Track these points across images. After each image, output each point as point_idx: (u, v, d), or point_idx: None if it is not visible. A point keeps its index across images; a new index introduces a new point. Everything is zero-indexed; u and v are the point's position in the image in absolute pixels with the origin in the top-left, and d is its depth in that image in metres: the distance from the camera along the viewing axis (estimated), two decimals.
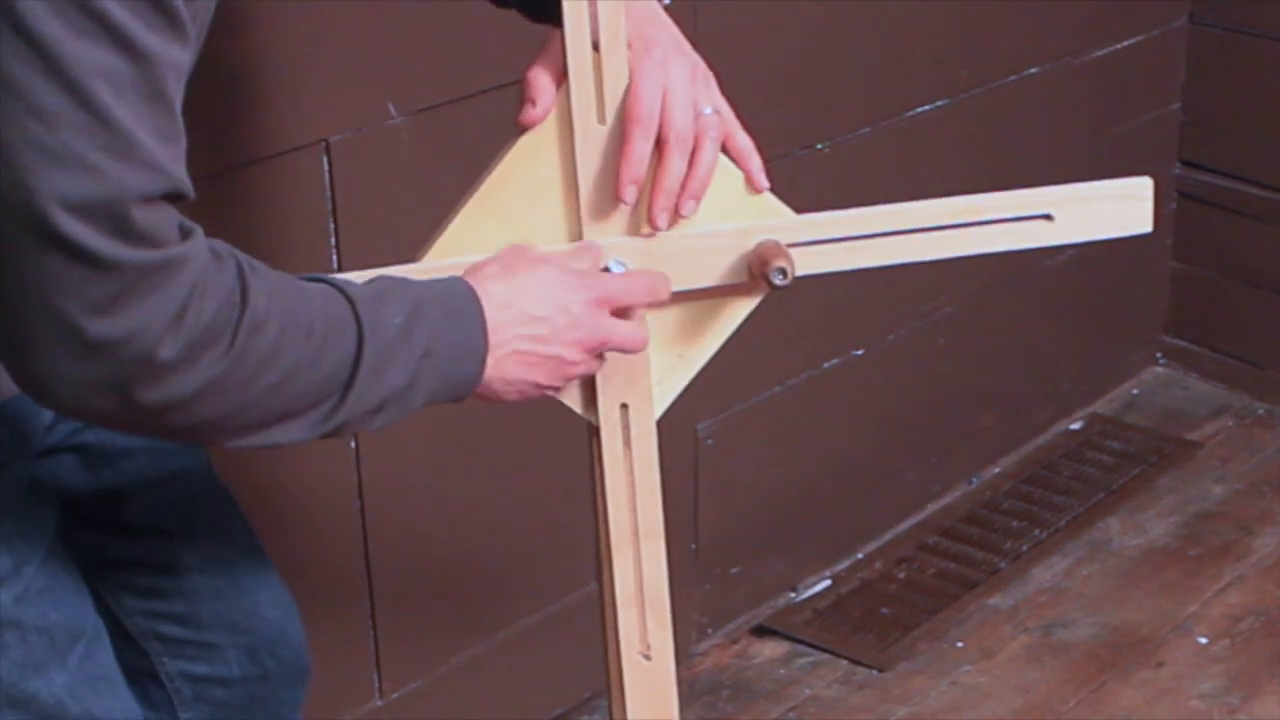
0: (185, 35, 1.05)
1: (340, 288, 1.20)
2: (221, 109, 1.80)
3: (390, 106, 1.94)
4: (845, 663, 2.52)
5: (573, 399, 1.40)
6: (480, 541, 2.24)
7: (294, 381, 1.15)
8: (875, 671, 2.51)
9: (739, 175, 1.39)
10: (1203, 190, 3.08)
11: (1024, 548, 2.75)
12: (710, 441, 2.47)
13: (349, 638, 2.13)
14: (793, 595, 2.67)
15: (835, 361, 2.63)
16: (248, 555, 1.57)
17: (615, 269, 1.36)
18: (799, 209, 1.41)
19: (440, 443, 2.08)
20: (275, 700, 1.59)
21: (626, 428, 1.42)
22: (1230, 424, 3.08)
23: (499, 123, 1.39)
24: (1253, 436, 3.04)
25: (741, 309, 1.42)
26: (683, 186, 1.35)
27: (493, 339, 1.26)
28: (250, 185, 1.85)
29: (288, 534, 1.97)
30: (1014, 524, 2.80)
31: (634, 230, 1.36)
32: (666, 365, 1.42)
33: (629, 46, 1.32)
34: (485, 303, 1.26)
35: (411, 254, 1.35)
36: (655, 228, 1.36)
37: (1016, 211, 1.43)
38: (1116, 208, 1.45)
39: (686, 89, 1.33)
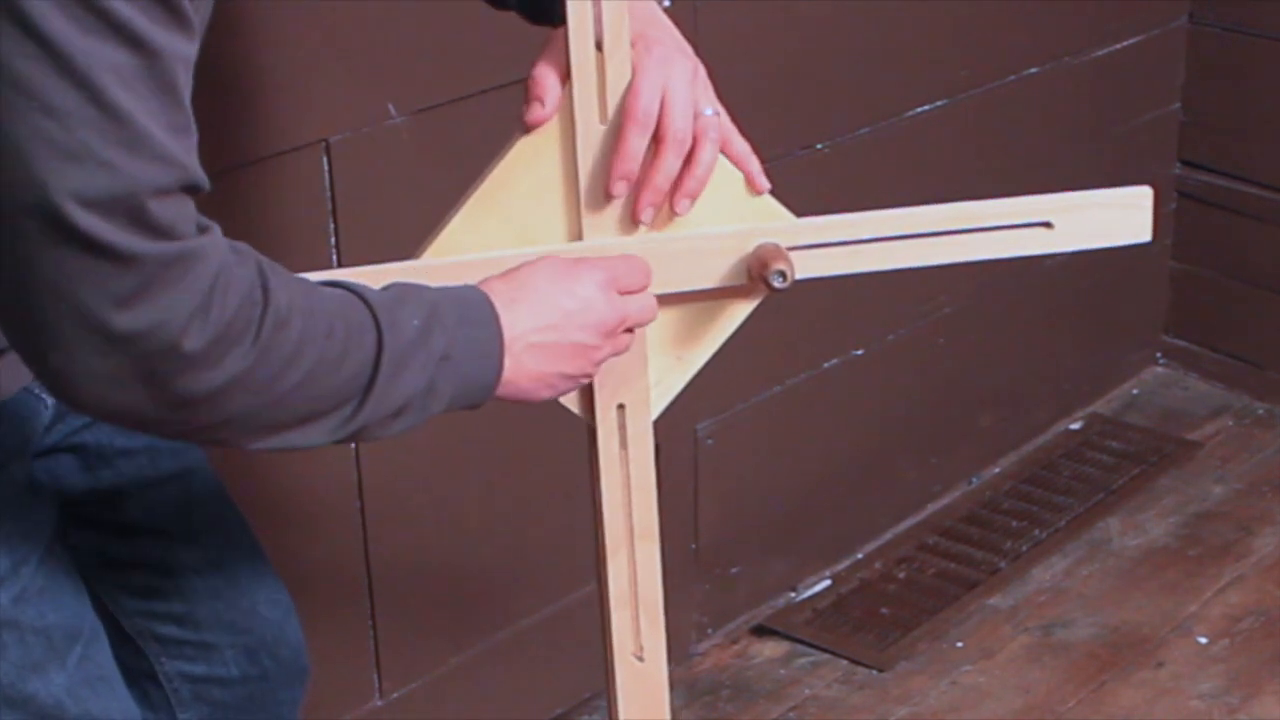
0: (190, 28, 1.05)
1: (357, 291, 1.20)
2: (221, 109, 1.80)
3: (390, 106, 1.94)
4: (845, 663, 2.52)
5: (570, 399, 1.40)
6: (480, 542, 2.24)
7: (315, 383, 1.15)
8: (875, 671, 2.51)
9: (739, 177, 1.39)
10: (1203, 190, 3.08)
11: (1024, 548, 2.75)
12: (710, 441, 2.47)
13: (349, 638, 2.13)
14: (793, 595, 2.67)
15: (835, 361, 2.63)
16: (246, 555, 1.57)
17: None
18: (799, 209, 1.41)
19: (440, 443, 2.08)
20: (274, 701, 1.59)
21: (623, 428, 1.42)
22: (1230, 424, 3.08)
23: (499, 123, 1.39)
24: (1253, 436, 3.04)
25: (740, 311, 1.42)
26: (678, 185, 1.35)
27: (507, 336, 1.26)
28: (250, 185, 1.86)
29: (288, 534, 1.97)
30: (1014, 524, 2.80)
31: (634, 230, 1.36)
32: (664, 367, 1.42)
33: (631, 46, 1.32)
34: (496, 303, 1.27)
35: (411, 254, 1.35)
36: (638, 223, 1.35)
37: (1016, 218, 1.44)
38: (1116, 216, 1.46)
39: (687, 89, 1.33)
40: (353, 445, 2.03)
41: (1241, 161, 3.03)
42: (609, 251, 1.35)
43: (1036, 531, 2.78)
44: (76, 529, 1.46)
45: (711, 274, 1.39)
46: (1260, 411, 3.10)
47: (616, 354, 1.35)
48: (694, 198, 1.36)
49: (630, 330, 1.35)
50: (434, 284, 1.26)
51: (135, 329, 1.05)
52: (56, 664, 1.33)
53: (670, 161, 1.34)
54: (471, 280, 1.29)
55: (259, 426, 1.15)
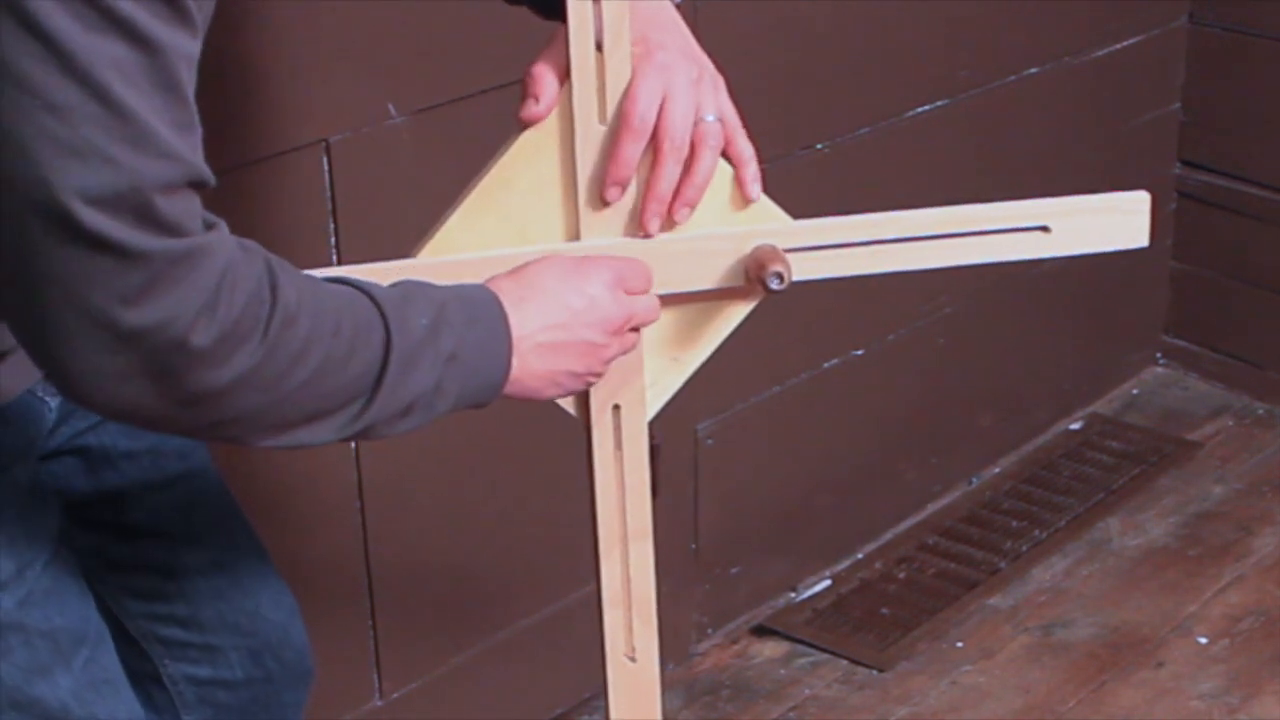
0: (193, 24, 1.06)
1: (365, 289, 1.20)
2: (221, 109, 1.80)
3: (390, 106, 1.94)
4: (845, 663, 2.52)
5: (566, 400, 1.40)
6: (480, 542, 2.24)
7: (323, 381, 1.15)
8: (875, 671, 2.51)
9: None
10: (1203, 190, 3.08)
11: (1024, 548, 2.75)
12: (710, 441, 2.47)
13: (349, 638, 2.13)
14: (793, 595, 2.67)
15: (835, 361, 2.63)
16: (249, 557, 1.57)
17: None
18: (799, 209, 1.41)
19: (440, 443, 2.08)
20: (278, 702, 1.59)
21: (618, 429, 1.42)
22: (1230, 424, 3.08)
23: (499, 123, 1.39)
24: (1253, 436, 3.04)
25: (737, 313, 1.42)
26: (677, 193, 1.35)
27: (515, 335, 1.27)
28: (250, 185, 1.86)
29: (288, 534, 1.97)
30: (1014, 524, 2.80)
31: (632, 231, 1.36)
32: (660, 368, 1.42)
33: (634, 48, 1.32)
34: (504, 302, 1.27)
35: (411, 254, 1.35)
36: (646, 232, 1.36)
37: (1014, 222, 1.44)
38: (1113, 221, 1.46)
39: (687, 95, 1.33)
40: (353, 445, 2.04)
41: (1241, 161, 3.03)
42: (607, 251, 1.35)
43: (1036, 531, 2.78)
44: (80, 531, 1.46)
45: (709, 275, 1.39)
46: (1260, 411, 3.10)
47: (624, 352, 1.35)
48: (693, 206, 1.36)
49: (636, 329, 1.36)
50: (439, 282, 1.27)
51: (143, 326, 1.05)
52: (63, 667, 1.33)
53: (669, 170, 1.33)
54: (470, 279, 1.30)
55: (267, 424, 1.15)
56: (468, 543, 2.22)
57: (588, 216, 1.35)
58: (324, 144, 1.90)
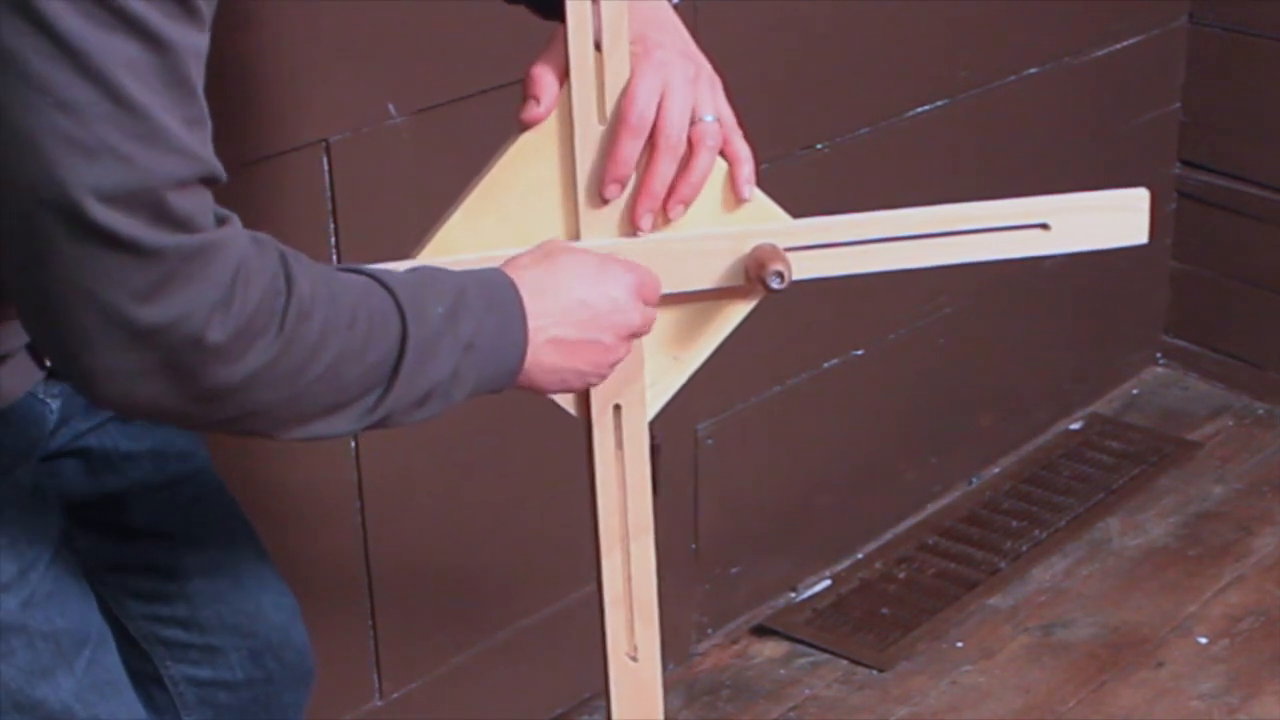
0: (201, 21, 1.06)
1: (380, 279, 1.20)
2: (221, 109, 1.78)
3: (390, 106, 1.94)
4: (845, 663, 2.52)
5: (566, 400, 1.40)
6: (480, 541, 2.24)
7: (340, 372, 1.15)
8: (875, 671, 2.51)
9: None
10: (1203, 190, 3.08)
11: (1024, 548, 2.75)
12: (710, 441, 2.47)
13: (349, 638, 2.13)
14: (793, 595, 2.67)
15: (835, 361, 2.63)
16: (250, 558, 1.57)
17: None
18: (799, 209, 1.41)
19: (440, 443, 2.08)
20: (279, 703, 1.59)
21: (619, 429, 1.42)
22: (1230, 424, 3.08)
23: (499, 123, 1.39)
24: (1253, 436, 3.04)
25: (737, 312, 1.42)
26: (672, 191, 1.35)
27: (531, 325, 1.26)
28: (250, 185, 1.86)
29: (288, 534, 1.97)
30: (1014, 524, 2.80)
31: (628, 230, 1.36)
32: (661, 367, 1.42)
33: (632, 47, 1.32)
34: (523, 291, 1.27)
35: (411, 254, 1.35)
36: (638, 229, 1.36)
37: (1013, 220, 1.44)
38: (1113, 218, 1.46)
39: (684, 94, 1.33)
40: (353, 445, 2.04)
41: (1241, 161, 3.03)
42: (607, 251, 1.35)
43: (1036, 531, 2.78)
44: (81, 533, 1.46)
45: (709, 275, 1.39)
46: (1260, 411, 3.10)
47: (623, 359, 1.35)
48: (688, 204, 1.36)
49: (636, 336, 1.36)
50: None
51: (158, 323, 1.05)
52: (65, 669, 1.33)
53: (665, 167, 1.34)
54: None
55: (284, 417, 1.15)
56: (468, 543, 2.22)
57: (587, 216, 1.35)
58: (324, 144, 1.90)
